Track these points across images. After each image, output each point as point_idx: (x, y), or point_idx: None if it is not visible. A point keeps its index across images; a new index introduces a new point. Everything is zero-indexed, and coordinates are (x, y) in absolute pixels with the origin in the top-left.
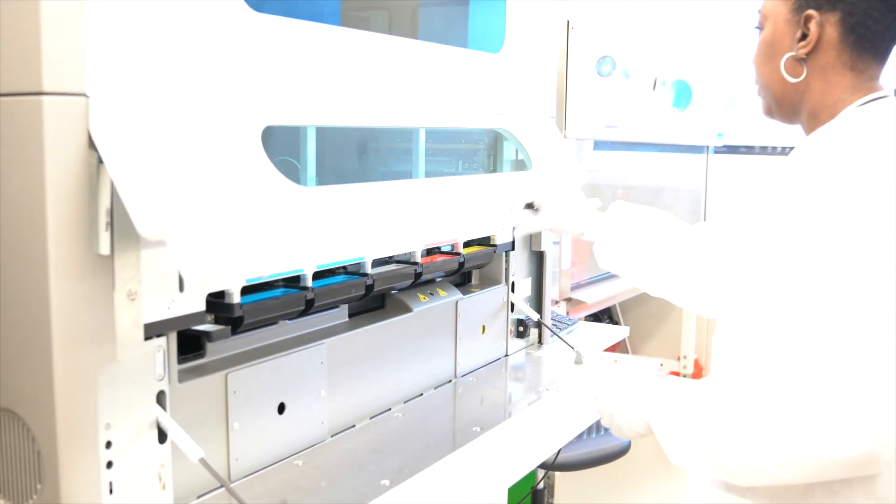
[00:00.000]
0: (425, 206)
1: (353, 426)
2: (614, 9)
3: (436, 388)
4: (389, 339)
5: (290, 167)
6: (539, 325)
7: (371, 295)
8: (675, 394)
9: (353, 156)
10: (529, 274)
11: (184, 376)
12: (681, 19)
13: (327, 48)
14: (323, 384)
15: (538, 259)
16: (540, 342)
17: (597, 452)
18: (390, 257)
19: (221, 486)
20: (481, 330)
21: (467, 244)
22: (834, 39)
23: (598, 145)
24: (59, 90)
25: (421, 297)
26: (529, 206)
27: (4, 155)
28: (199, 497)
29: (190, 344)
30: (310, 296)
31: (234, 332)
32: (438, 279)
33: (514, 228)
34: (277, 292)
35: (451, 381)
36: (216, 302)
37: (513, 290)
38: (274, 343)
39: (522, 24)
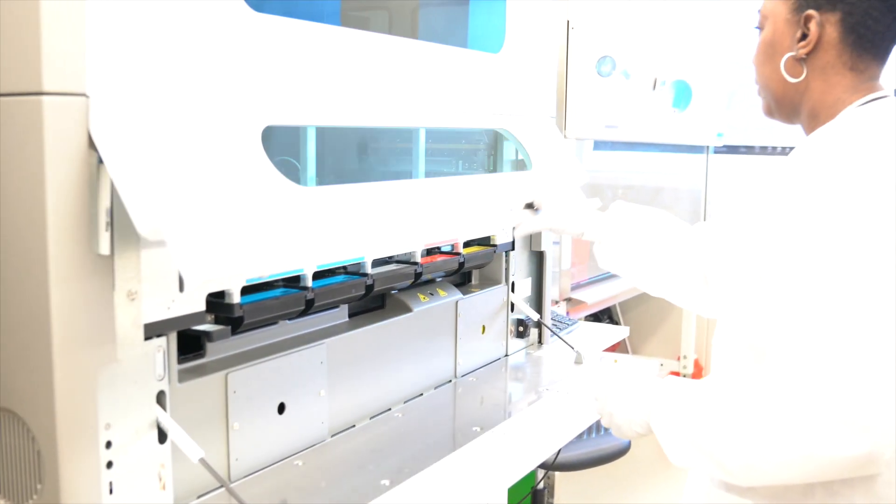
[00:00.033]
0: (426, 206)
1: (353, 426)
2: (614, 9)
3: (436, 388)
4: (389, 339)
5: (289, 167)
6: (539, 325)
7: (371, 295)
8: (675, 394)
9: (353, 156)
10: (529, 274)
11: (184, 376)
12: (681, 19)
13: (327, 48)
14: (323, 384)
15: (538, 259)
16: (540, 342)
17: (597, 452)
18: (390, 257)
19: (221, 487)
20: (481, 330)
21: (467, 244)
22: (834, 39)
23: (598, 145)
24: (59, 90)
25: (421, 297)
26: (529, 206)
27: (4, 155)
28: (198, 497)
29: (190, 344)
30: (310, 296)
31: (234, 332)
32: (438, 279)
33: (514, 228)
34: (277, 292)
35: (451, 381)
36: (216, 302)
37: (513, 290)
38: (274, 343)
39: (522, 24)
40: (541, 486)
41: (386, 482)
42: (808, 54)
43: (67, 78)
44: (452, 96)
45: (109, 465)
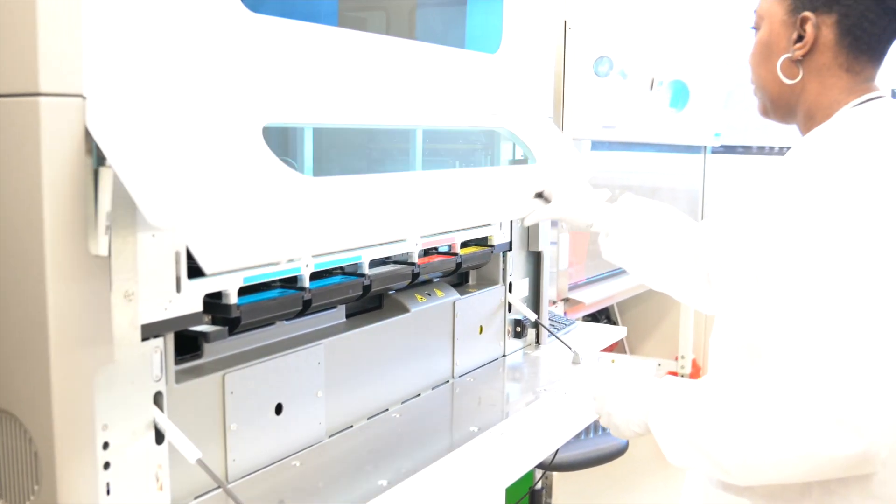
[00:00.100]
0: (435, 196)
1: (351, 427)
2: (611, 9)
3: (433, 388)
4: (387, 339)
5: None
6: (536, 325)
7: (368, 295)
8: (673, 394)
9: (351, 156)
10: (527, 274)
11: (181, 377)
12: (678, 19)
13: (325, 49)
14: (320, 385)
15: (535, 259)
16: (537, 342)
17: (595, 452)
18: (388, 257)
19: (219, 487)
20: (479, 330)
21: (464, 244)
22: (830, 41)
23: (596, 145)
24: (56, 91)
25: (418, 297)
26: (539, 195)
27: (1, 156)
28: (196, 498)
29: (187, 344)
30: (307, 296)
31: (232, 332)
32: (436, 279)
33: (523, 218)
34: (275, 293)
35: (448, 381)
36: (213, 302)
37: (510, 291)
38: (271, 344)
39: (519, 25)
40: (539, 486)
41: (383, 482)
42: (804, 56)
43: (64, 79)
44: (450, 97)
45: (107, 465)
